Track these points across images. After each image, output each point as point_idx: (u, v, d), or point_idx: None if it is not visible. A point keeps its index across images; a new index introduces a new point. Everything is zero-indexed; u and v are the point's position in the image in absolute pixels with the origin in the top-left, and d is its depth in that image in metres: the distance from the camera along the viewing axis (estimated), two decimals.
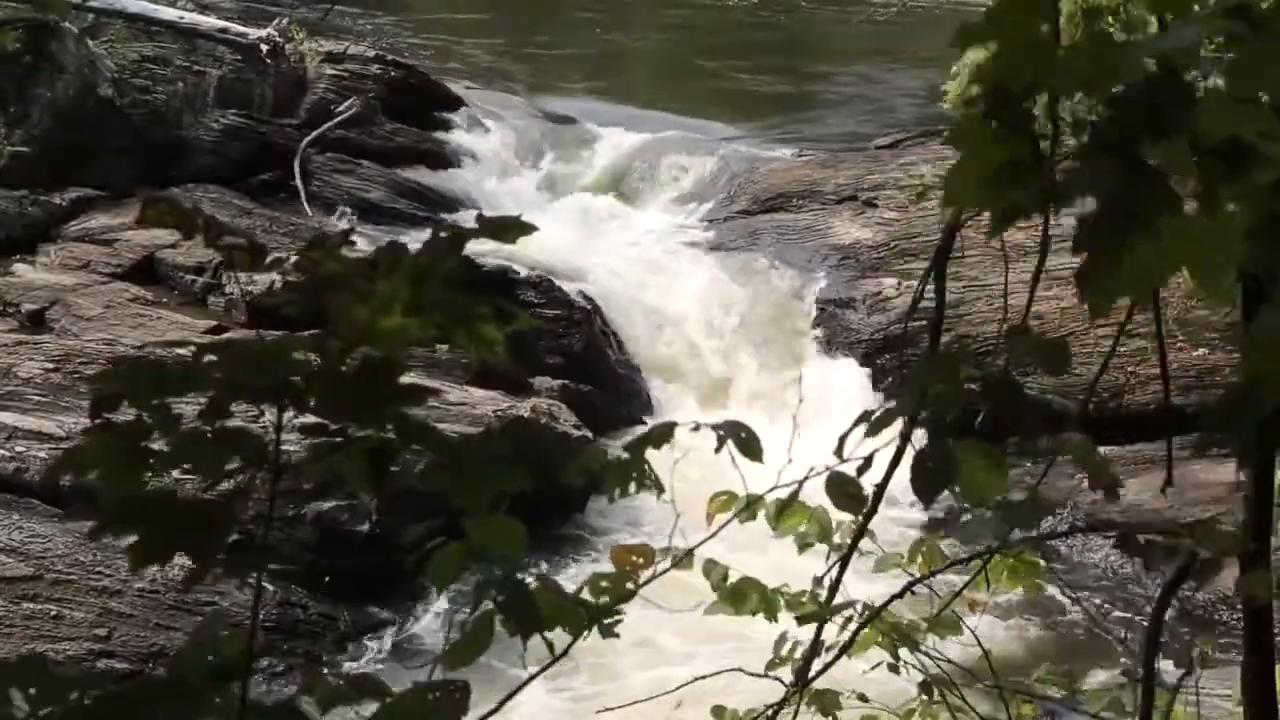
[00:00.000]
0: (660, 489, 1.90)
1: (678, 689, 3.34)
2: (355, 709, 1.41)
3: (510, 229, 1.48)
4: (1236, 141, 1.27)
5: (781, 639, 3.28)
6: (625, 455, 1.85)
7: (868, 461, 1.71)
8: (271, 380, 1.34)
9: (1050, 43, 1.34)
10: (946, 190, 1.42)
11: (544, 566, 7.73)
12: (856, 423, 1.64)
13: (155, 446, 1.37)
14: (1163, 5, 1.42)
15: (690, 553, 2.44)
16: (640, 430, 1.94)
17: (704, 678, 3.28)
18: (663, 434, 1.83)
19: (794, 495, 1.99)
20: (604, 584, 1.93)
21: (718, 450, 1.88)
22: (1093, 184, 1.35)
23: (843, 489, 1.81)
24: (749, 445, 1.85)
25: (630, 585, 1.89)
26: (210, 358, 1.34)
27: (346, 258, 1.40)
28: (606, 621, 1.70)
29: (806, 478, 1.93)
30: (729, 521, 2.51)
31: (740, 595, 3.21)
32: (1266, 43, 1.32)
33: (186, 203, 1.45)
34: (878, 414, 1.59)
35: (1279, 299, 1.30)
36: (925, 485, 1.53)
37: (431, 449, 1.40)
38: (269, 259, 1.40)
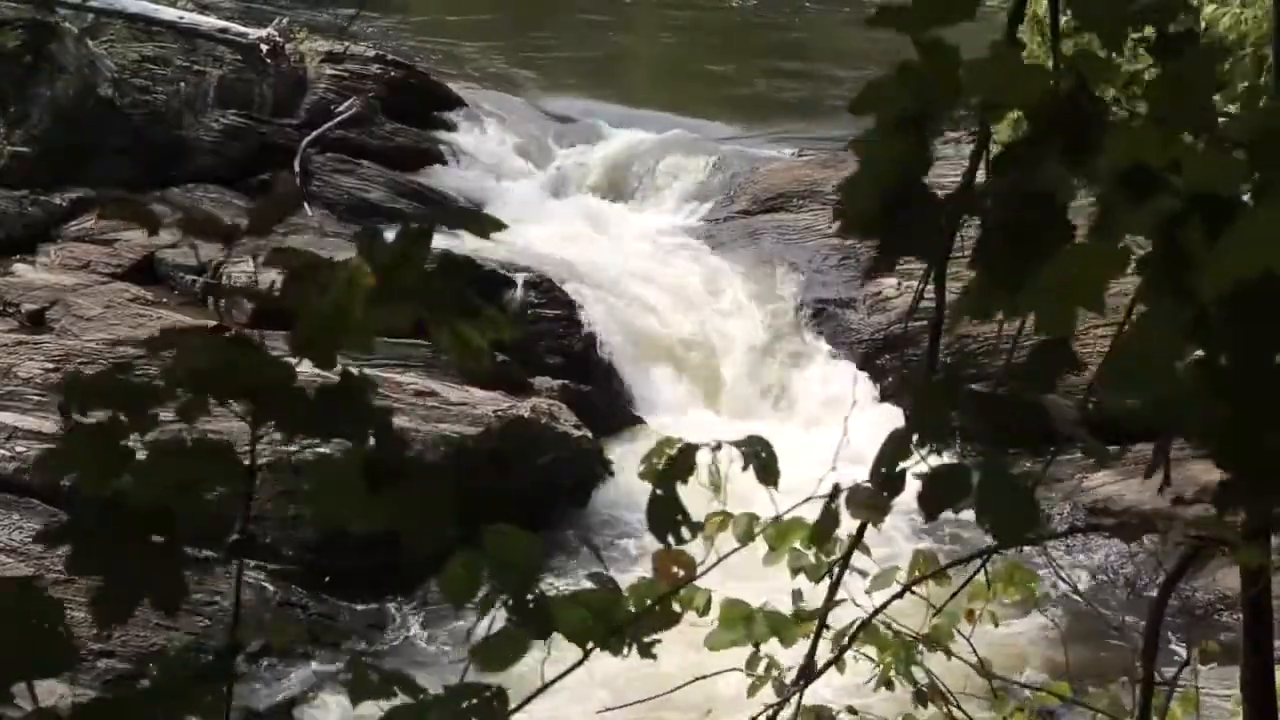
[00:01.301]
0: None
1: (677, 689, 3.34)
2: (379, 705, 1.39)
3: (479, 221, 1.45)
4: (1141, 168, 1.25)
5: (754, 657, 3.25)
6: (660, 493, 1.77)
7: (900, 481, 1.65)
8: (240, 385, 1.32)
9: (953, 58, 1.31)
10: (844, 204, 1.36)
11: (547, 565, 7.73)
12: (885, 447, 1.60)
13: (135, 448, 1.36)
14: (1093, 28, 1.41)
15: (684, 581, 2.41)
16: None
17: (704, 678, 3.27)
18: (685, 463, 1.78)
19: (833, 519, 1.91)
20: (649, 602, 1.86)
21: (745, 469, 1.83)
22: (989, 207, 1.33)
23: (865, 499, 1.76)
24: (767, 467, 1.80)
25: (675, 608, 1.81)
26: (171, 352, 1.32)
27: (306, 252, 1.37)
28: (646, 640, 1.64)
29: (835, 495, 1.86)
30: (729, 553, 2.48)
31: (733, 624, 3.19)
32: (1187, 65, 1.32)
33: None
34: (896, 446, 1.55)
35: (1155, 314, 1.28)
36: (932, 504, 1.51)
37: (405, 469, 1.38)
38: (228, 231, 1.37)
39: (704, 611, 3.22)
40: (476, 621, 1.50)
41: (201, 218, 1.39)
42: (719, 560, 2.05)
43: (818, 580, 3.14)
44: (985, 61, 1.30)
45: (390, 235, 1.37)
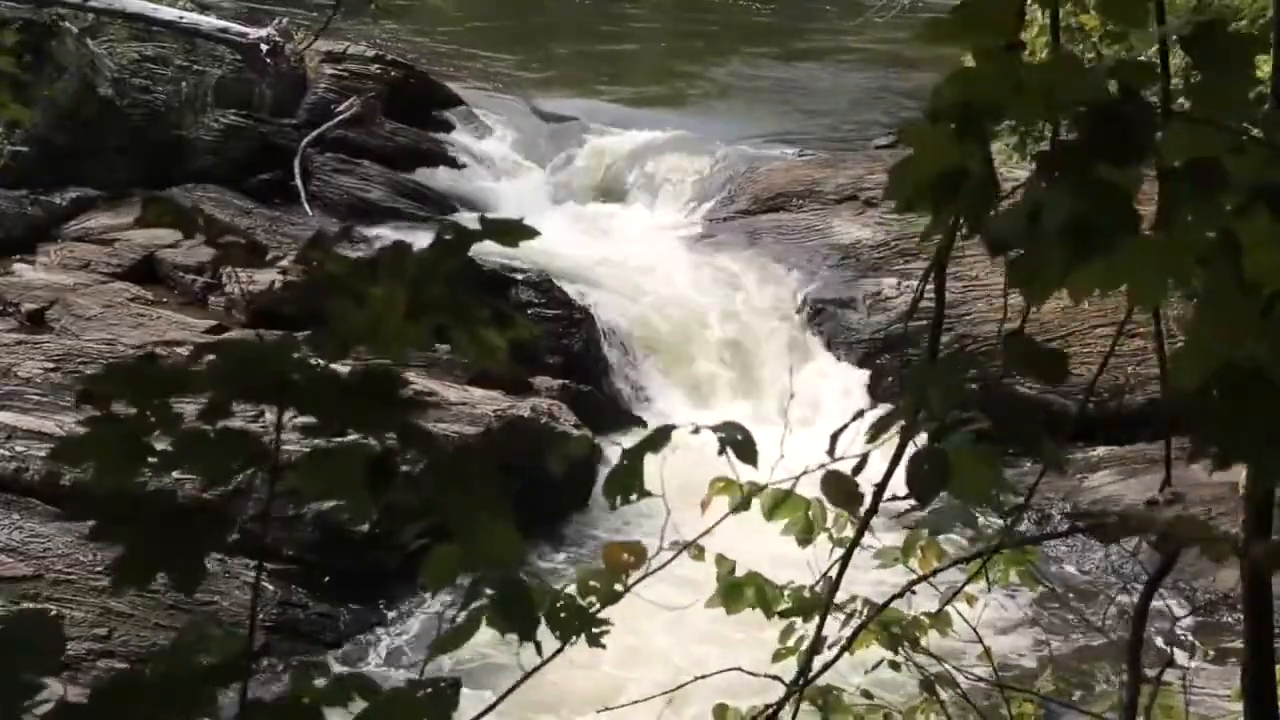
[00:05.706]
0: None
1: (677, 689, 3.34)
2: (349, 707, 1.40)
3: (513, 232, 1.48)
4: (1200, 162, 1.30)
5: (789, 630, 3.29)
6: (624, 462, 1.85)
7: (862, 461, 1.71)
8: (269, 380, 1.33)
9: (1015, 60, 1.37)
10: (891, 186, 1.44)
11: (547, 564, 7.73)
12: (850, 421, 1.65)
13: (156, 444, 1.37)
14: (1117, 13, 1.45)
15: (693, 544, 2.44)
16: (638, 430, 1.92)
17: (703, 677, 3.27)
18: (660, 438, 1.83)
19: (788, 493, 1.99)
20: (593, 584, 1.93)
21: (720, 452, 1.87)
22: (1056, 199, 1.38)
23: (838, 487, 1.80)
24: (744, 449, 1.84)
25: (619, 587, 1.88)
26: (208, 357, 1.34)
27: (346, 258, 1.40)
28: (595, 631, 1.69)
29: (802, 474, 1.93)
30: (724, 518, 2.52)
31: (736, 591, 3.23)
32: (1230, 65, 1.36)
33: (186, 203, 1.45)
34: (875, 419, 1.59)
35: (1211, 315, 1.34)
36: (921, 486, 1.54)
37: (431, 459, 1.40)
38: (267, 257, 1.40)
39: (724, 579, 3.25)
40: (460, 609, 1.53)
41: (228, 234, 1.41)
42: (687, 545, 2.08)
43: (827, 570, 3.17)
44: (1047, 64, 1.36)
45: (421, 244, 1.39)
